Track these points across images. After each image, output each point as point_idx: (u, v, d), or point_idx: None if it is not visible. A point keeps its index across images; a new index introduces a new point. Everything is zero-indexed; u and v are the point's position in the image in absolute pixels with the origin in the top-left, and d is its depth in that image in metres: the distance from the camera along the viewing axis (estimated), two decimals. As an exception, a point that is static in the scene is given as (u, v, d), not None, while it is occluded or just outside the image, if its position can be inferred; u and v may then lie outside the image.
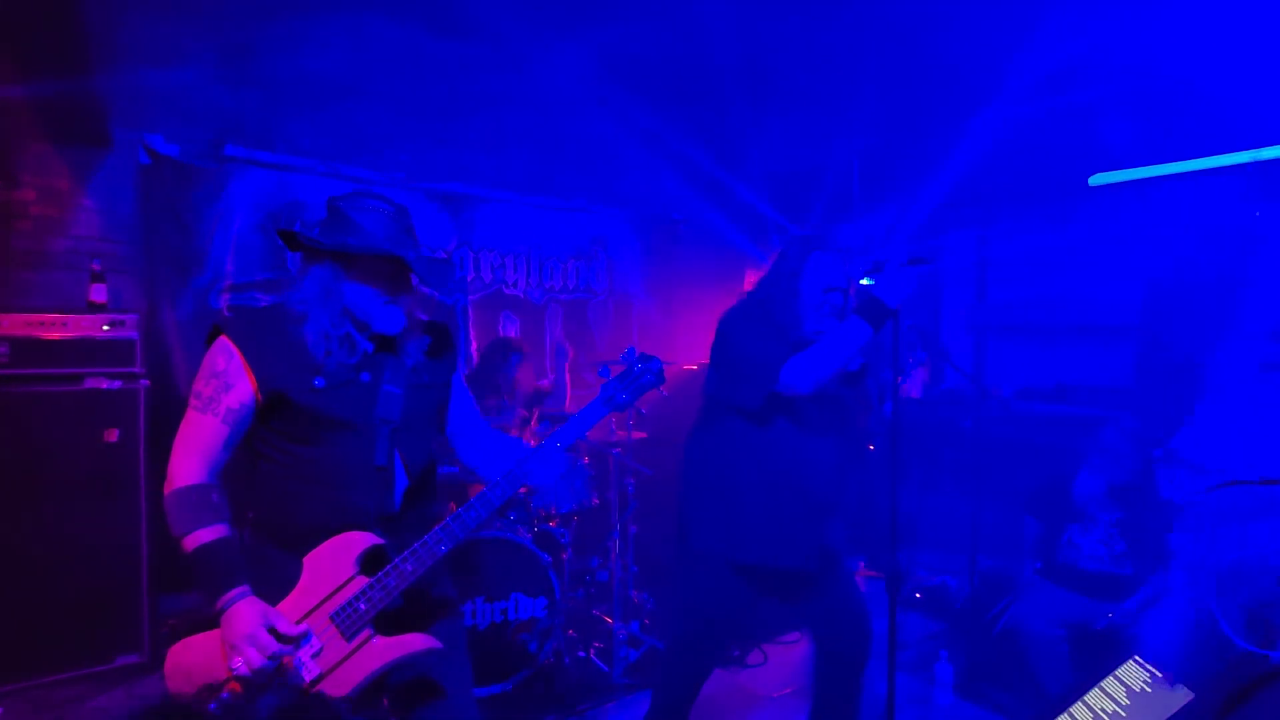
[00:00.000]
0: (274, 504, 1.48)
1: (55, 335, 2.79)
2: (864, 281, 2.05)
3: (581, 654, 3.11)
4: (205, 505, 1.39)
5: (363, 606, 1.40)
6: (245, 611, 1.34)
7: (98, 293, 2.99)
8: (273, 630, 1.34)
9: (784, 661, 3.18)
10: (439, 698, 1.55)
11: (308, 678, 1.38)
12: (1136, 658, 1.79)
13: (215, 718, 1.34)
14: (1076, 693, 1.68)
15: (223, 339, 1.44)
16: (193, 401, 1.43)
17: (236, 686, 1.35)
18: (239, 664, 1.33)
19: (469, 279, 4.20)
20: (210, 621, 1.38)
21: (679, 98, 3.99)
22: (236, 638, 1.33)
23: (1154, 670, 1.73)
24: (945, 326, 4.93)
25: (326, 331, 1.45)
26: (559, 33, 3.26)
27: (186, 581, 3.15)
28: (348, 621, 1.40)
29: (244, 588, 1.36)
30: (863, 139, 4.36)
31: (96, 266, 3.03)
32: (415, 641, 1.44)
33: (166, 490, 1.40)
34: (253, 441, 1.49)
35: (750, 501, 1.97)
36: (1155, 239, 3.58)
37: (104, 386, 2.83)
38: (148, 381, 2.93)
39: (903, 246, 4.36)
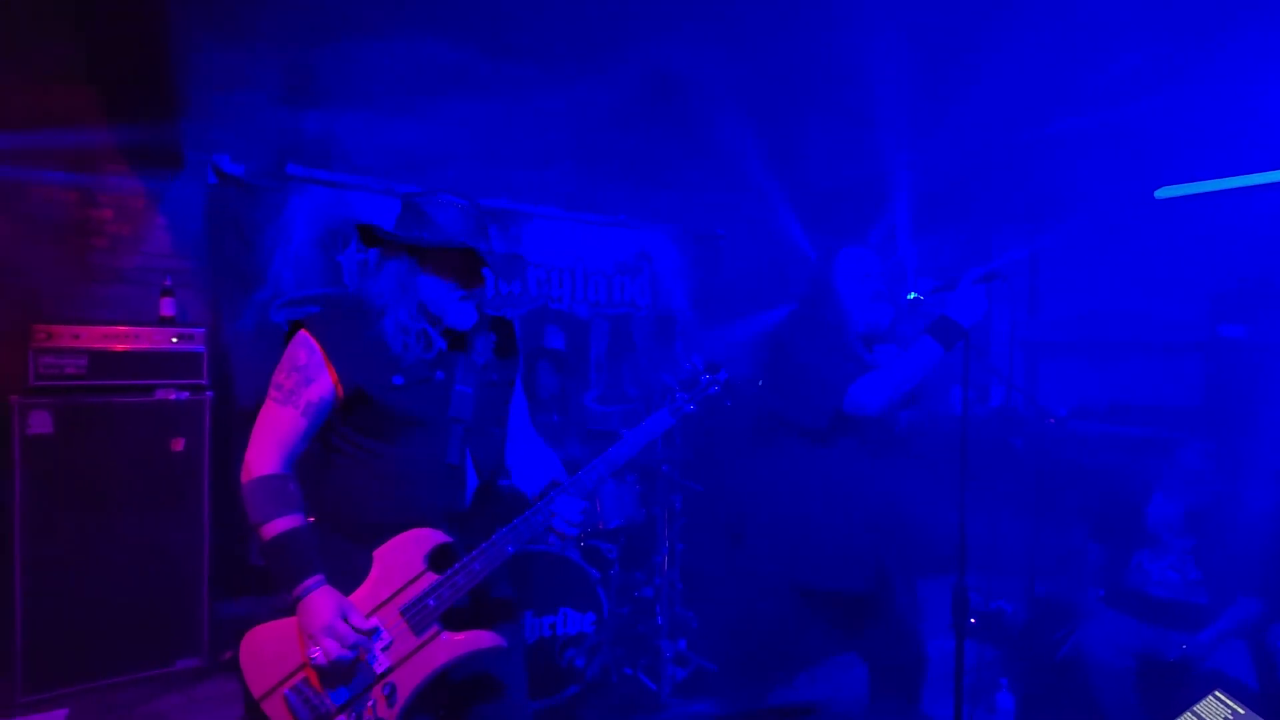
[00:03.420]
0: (345, 497, 1.50)
1: (128, 347, 2.91)
2: (911, 296, 2.02)
3: (629, 671, 3.09)
4: (282, 495, 1.41)
5: (432, 603, 1.43)
6: (322, 602, 1.36)
7: (167, 307, 3.11)
8: (348, 622, 1.36)
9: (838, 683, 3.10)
10: (498, 696, 1.57)
11: (378, 670, 1.41)
12: (1218, 692, 1.70)
13: (290, 704, 1.38)
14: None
15: (303, 333, 1.45)
16: (272, 393, 1.45)
17: (312, 675, 1.39)
18: (317, 654, 1.35)
19: (516, 294, 4.25)
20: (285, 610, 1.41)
21: (723, 113, 4.00)
22: (314, 628, 1.35)
23: (1239, 707, 1.65)
24: (995, 342, 4.81)
25: (404, 325, 1.47)
26: (604, 51, 3.31)
27: (246, 588, 3.24)
28: (418, 617, 1.43)
29: (319, 577, 1.38)
30: (911, 153, 4.31)
31: (167, 282, 3.16)
32: (482, 638, 1.47)
33: (244, 479, 1.42)
34: (327, 435, 1.51)
35: (814, 523, 1.94)
36: (1223, 253, 3.45)
37: (172, 397, 2.94)
38: (212, 393, 3.03)
39: (964, 262, 4.28)
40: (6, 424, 2.66)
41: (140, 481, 2.88)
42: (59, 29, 2.45)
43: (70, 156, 3.22)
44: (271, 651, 1.42)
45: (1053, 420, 3.83)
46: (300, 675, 1.41)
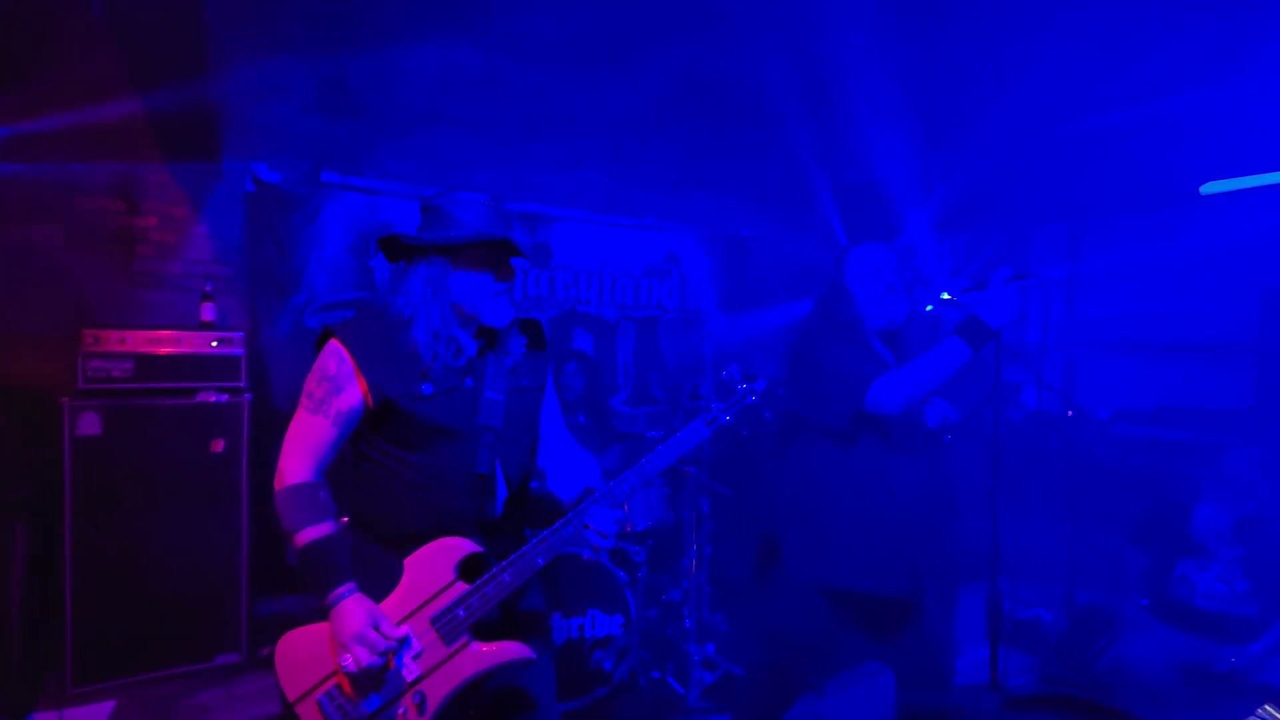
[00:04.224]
0: (377, 504, 1.50)
1: (171, 351, 3.00)
2: (944, 297, 1.99)
3: (656, 674, 3.08)
4: (313, 503, 1.42)
5: (462, 613, 1.42)
6: (354, 610, 1.37)
7: (208, 312, 3.20)
8: (378, 630, 1.37)
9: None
10: (528, 709, 1.56)
11: (408, 678, 1.42)
12: (1268, 706, 1.65)
13: (323, 709, 1.40)
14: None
15: (334, 342, 1.46)
16: (304, 402, 1.47)
17: (344, 681, 1.41)
18: (348, 661, 1.37)
19: (544, 297, 4.28)
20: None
21: (749, 114, 3.98)
22: (345, 636, 1.36)
23: (1292, 723, 1.59)
24: (1031, 341, 4.70)
25: (436, 330, 1.47)
26: (632, 55, 3.31)
27: (283, 586, 3.31)
28: (447, 626, 1.42)
29: (351, 584, 1.40)
30: (945, 152, 4.23)
31: (208, 288, 3.25)
32: (512, 649, 1.46)
33: (277, 487, 1.44)
34: (357, 443, 1.52)
35: (844, 524, 1.92)
36: (1274, 249, 3.32)
37: (213, 400, 3.02)
38: (251, 395, 3.11)
39: (994, 261, 4.19)
40: (58, 425, 2.76)
41: (182, 481, 2.96)
42: (104, 45, 2.54)
43: (117, 168, 3.34)
44: (306, 656, 1.44)
45: (1093, 423, 3.72)
46: (333, 681, 1.43)
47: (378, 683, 1.41)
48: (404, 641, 1.41)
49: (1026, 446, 3.90)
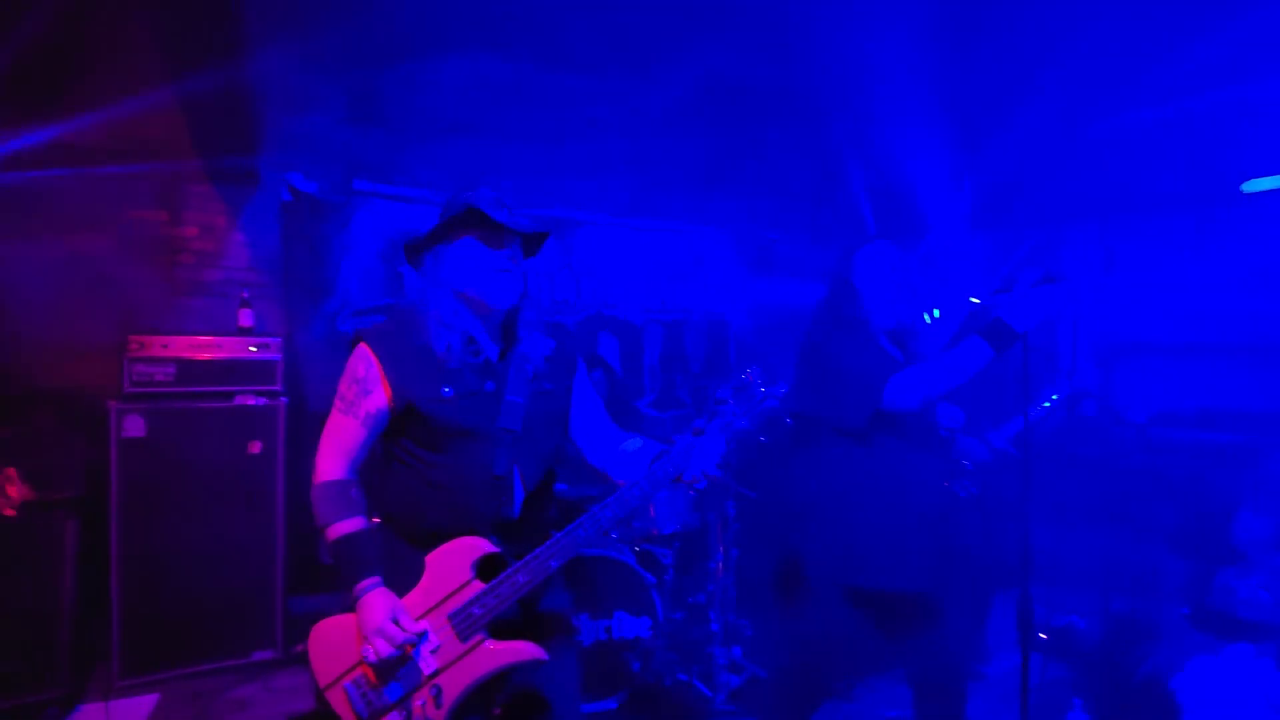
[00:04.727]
0: (403, 502, 1.56)
1: (211, 356, 3.10)
2: (973, 300, 1.97)
3: (683, 677, 3.09)
4: (345, 499, 1.50)
5: (477, 611, 1.46)
6: (376, 603, 1.44)
7: (246, 318, 3.30)
8: (398, 624, 1.43)
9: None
10: (544, 710, 1.58)
11: (426, 671, 1.46)
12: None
13: (349, 696, 1.47)
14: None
15: (362, 346, 1.53)
16: (337, 403, 1.54)
17: (368, 671, 1.47)
18: (369, 652, 1.43)
19: (571, 301, 4.32)
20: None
21: (776, 117, 3.97)
22: (367, 628, 1.43)
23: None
24: (1064, 342, 4.60)
25: (445, 321, 1.50)
26: (657, 60, 3.33)
27: (316, 584, 3.39)
28: (464, 624, 1.47)
29: (376, 579, 1.46)
30: (974, 151, 4.17)
31: (245, 294, 3.36)
32: (524, 649, 1.48)
33: (314, 482, 1.52)
34: (386, 442, 1.58)
35: (866, 523, 1.91)
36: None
37: (250, 403, 3.11)
38: (286, 398, 3.19)
39: (1027, 262, 4.12)
40: (105, 427, 2.87)
41: (221, 482, 3.06)
42: (150, 61, 2.65)
43: (160, 180, 3.47)
44: (336, 644, 1.50)
45: (1130, 427, 3.64)
46: (360, 670, 1.49)
47: (398, 674, 1.46)
48: (422, 636, 1.46)
49: (1061, 451, 3.82)
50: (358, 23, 2.90)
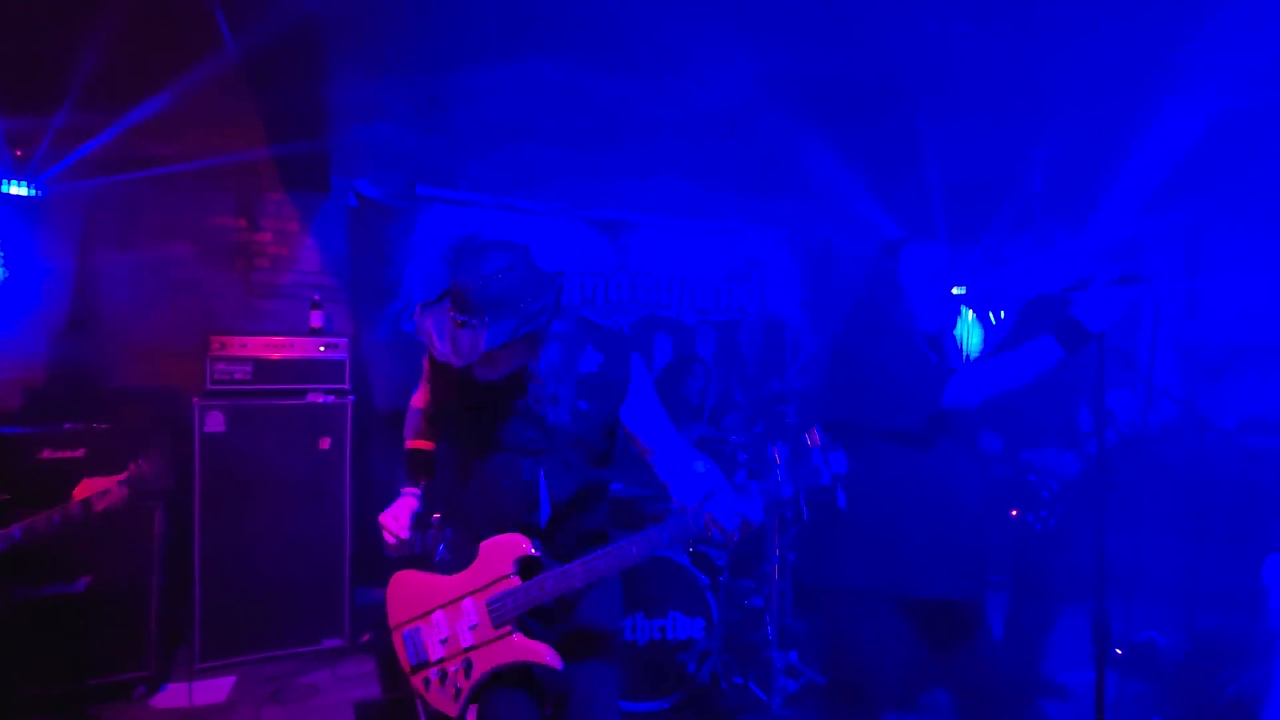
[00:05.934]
0: (452, 492, 1.70)
1: (284, 355, 3.25)
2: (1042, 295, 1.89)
3: (739, 679, 3.06)
4: (415, 424, 1.80)
5: (509, 605, 1.54)
6: (399, 504, 1.71)
7: (316, 319, 3.44)
8: (398, 522, 1.67)
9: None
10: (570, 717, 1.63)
11: (463, 645, 1.57)
12: None
13: (405, 643, 1.67)
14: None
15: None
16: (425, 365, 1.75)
17: (423, 626, 1.65)
18: (389, 535, 1.68)
19: (625, 302, 4.35)
20: (423, 562, 1.73)
21: (836, 114, 3.90)
22: (383, 517, 1.69)
23: None
24: (1144, 344, 4.37)
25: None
26: (711, 60, 3.32)
27: (381, 577, 3.49)
28: (497, 613, 1.55)
29: (412, 489, 1.74)
30: (1044, 148, 4.00)
31: (316, 296, 3.50)
32: (541, 653, 1.53)
33: (409, 406, 1.82)
34: (445, 437, 1.77)
35: (913, 529, 1.85)
36: None
37: (320, 400, 3.25)
38: (354, 396, 3.32)
39: (1106, 260, 3.93)
40: (189, 423, 3.04)
41: (293, 477, 3.19)
42: (234, 80, 2.80)
43: (238, 188, 3.66)
44: (408, 595, 1.68)
45: (1218, 433, 3.42)
46: (419, 622, 1.64)
47: (444, 638, 1.60)
48: (408, 544, 1.68)
49: (1140, 458, 3.63)
50: (421, 31, 2.99)
